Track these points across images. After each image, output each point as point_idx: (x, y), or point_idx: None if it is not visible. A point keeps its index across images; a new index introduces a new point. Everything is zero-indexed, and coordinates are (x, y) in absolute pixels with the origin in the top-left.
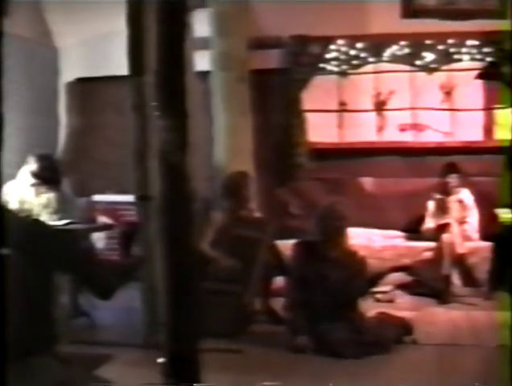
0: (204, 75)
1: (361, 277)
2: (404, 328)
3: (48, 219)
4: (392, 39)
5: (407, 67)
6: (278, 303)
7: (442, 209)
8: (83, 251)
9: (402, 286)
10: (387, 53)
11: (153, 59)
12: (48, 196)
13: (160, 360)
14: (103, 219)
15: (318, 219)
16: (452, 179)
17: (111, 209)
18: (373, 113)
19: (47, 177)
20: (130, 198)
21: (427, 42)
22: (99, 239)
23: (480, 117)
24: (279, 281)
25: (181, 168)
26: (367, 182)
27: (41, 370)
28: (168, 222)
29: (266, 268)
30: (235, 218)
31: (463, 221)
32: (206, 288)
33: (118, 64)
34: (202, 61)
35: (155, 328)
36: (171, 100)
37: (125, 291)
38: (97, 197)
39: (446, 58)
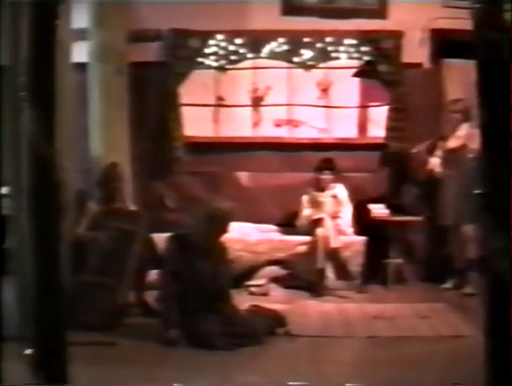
0: (82, 66)
1: (230, 269)
2: (277, 320)
3: None
4: (271, 35)
5: (285, 64)
6: (151, 296)
7: (316, 204)
8: None
9: (276, 279)
10: (266, 49)
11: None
12: None
13: (28, 351)
14: None
15: (204, 217)
16: (327, 175)
17: None
18: (250, 108)
19: None
20: (4, 190)
21: (306, 39)
22: None
23: (355, 114)
24: (153, 273)
25: (48, 159)
26: (243, 176)
27: None
28: (36, 213)
29: (141, 260)
30: (108, 210)
31: (337, 216)
32: (80, 280)
33: None
34: (80, 52)
35: (27, 320)
36: (37, 91)
37: None
38: None
39: (324, 55)
